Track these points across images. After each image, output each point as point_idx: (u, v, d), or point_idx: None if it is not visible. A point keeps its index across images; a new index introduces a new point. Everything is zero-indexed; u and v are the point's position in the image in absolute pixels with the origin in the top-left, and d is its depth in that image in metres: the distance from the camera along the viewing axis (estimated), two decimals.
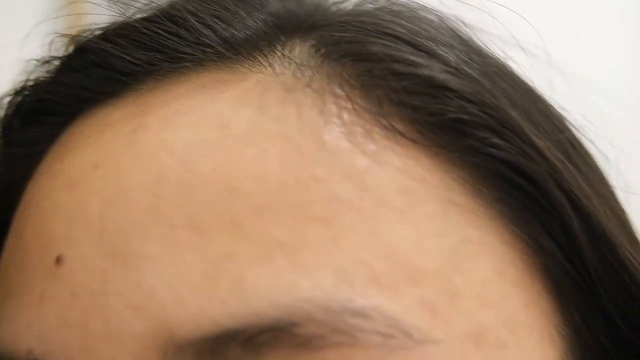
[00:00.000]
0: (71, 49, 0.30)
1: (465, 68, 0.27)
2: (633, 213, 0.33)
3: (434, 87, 0.26)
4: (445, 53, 0.27)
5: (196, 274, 0.23)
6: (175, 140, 0.25)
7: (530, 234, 0.26)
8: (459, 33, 0.30)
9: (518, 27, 0.33)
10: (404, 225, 0.24)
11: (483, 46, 0.30)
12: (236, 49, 0.27)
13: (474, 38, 0.30)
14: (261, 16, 0.29)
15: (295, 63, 0.27)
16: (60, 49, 0.31)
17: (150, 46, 0.28)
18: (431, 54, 0.27)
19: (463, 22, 0.30)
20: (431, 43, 0.27)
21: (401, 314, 0.23)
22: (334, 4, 0.30)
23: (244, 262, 0.23)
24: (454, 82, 0.26)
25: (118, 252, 0.24)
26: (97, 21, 0.31)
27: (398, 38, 0.27)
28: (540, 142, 0.26)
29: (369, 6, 0.30)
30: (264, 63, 0.27)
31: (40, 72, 0.31)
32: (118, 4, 0.31)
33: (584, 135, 0.31)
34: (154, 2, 0.30)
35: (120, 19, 0.30)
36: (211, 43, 0.28)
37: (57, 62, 0.31)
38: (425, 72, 0.26)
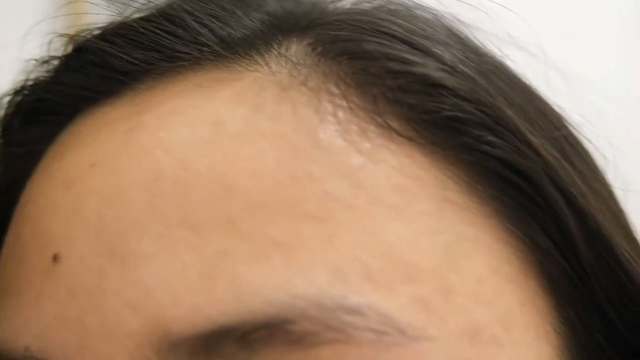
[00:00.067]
0: (70, 48, 0.30)
1: (460, 66, 0.27)
2: (631, 212, 0.33)
3: (429, 85, 0.26)
4: (441, 51, 0.27)
5: (192, 272, 0.23)
6: (171, 139, 0.25)
7: (525, 232, 0.26)
8: (456, 32, 0.30)
9: (517, 26, 0.33)
10: (398, 223, 0.24)
11: (480, 45, 0.30)
12: (233, 48, 0.28)
13: (472, 37, 0.30)
14: (258, 15, 0.29)
15: (292, 62, 0.27)
16: (60, 49, 0.31)
17: (148, 45, 0.28)
18: (427, 52, 0.27)
19: (460, 21, 0.30)
20: (427, 41, 0.27)
21: (395, 312, 0.23)
22: (331, 2, 0.30)
23: (240, 260, 0.23)
24: (449, 80, 0.26)
25: (115, 250, 0.24)
26: (96, 21, 0.31)
27: (394, 37, 0.27)
28: (536, 140, 0.26)
29: (366, 5, 0.30)
30: (260, 62, 0.27)
31: (40, 72, 0.31)
32: (117, 3, 0.31)
33: (582, 134, 0.31)
34: (152, 2, 0.30)
35: (119, 18, 0.30)
36: (208, 42, 0.28)
37: (56, 62, 0.31)
38: (420, 70, 0.26)
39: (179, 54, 0.28)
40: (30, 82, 0.31)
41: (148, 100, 0.27)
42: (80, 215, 0.25)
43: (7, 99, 0.32)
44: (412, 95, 0.26)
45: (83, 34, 0.30)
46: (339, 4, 0.30)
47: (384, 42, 0.27)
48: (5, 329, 0.26)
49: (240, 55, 0.27)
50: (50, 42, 0.31)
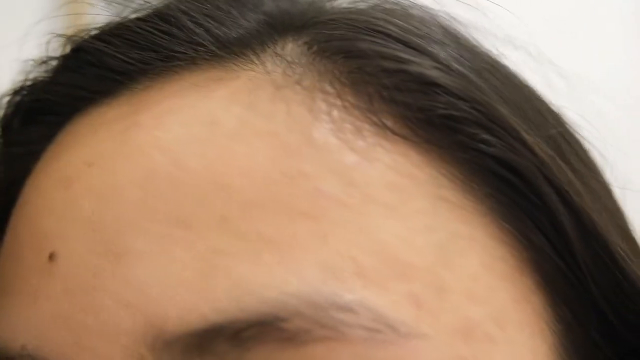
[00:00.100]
0: (68, 48, 0.31)
1: (455, 65, 0.27)
2: (631, 212, 0.33)
3: (424, 84, 0.26)
4: (436, 50, 0.27)
5: (185, 270, 0.24)
6: (166, 138, 0.26)
7: (520, 230, 0.26)
8: (451, 31, 0.30)
9: (517, 26, 0.33)
10: (392, 221, 0.24)
11: (477, 44, 0.30)
12: (228, 48, 0.28)
13: (469, 36, 0.30)
14: (254, 15, 0.29)
15: (287, 61, 0.27)
16: (58, 49, 0.31)
17: (144, 45, 0.28)
18: (421, 51, 0.27)
19: (457, 21, 0.30)
20: (422, 40, 0.28)
21: (388, 309, 0.23)
22: (327, 2, 0.31)
23: (232, 257, 0.23)
24: (444, 79, 0.26)
25: (110, 248, 0.24)
26: (95, 21, 0.31)
27: (389, 36, 0.27)
28: (530, 138, 0.26)
29: (362, 5, 0.30)
30: (255, 61, 0.27)
31: (39, 72, 0.31)
32: (116, 3, 0.31)
33: (581, 134, 0.31)
34: (150, 2, 0.30)
35: (117, 18, 0.30)
36: (203, 42, 0.28)
37: (54, 62, 0.31)
38: (415, 68, 0.26)
39: (174, 54, 0.28)
40: (29, 83, 0.31)
41: (145, 100, 0.27)
42: (76, 214, 0.26)
43: (7, 99, 0.32)
44: (407, 93, 0.26)
45: (81, 34, 0.30)
46: (335, 4, 0.30)
47: (379, 41, 0.27)
48: (2, 328, 0.26)
49: (235, 54, 0.27)
50: (48, 43, 0.31)
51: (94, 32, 0.30)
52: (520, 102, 0.28)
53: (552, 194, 0.26)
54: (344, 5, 0.30)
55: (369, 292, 0.23)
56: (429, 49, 0.27)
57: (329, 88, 0.26)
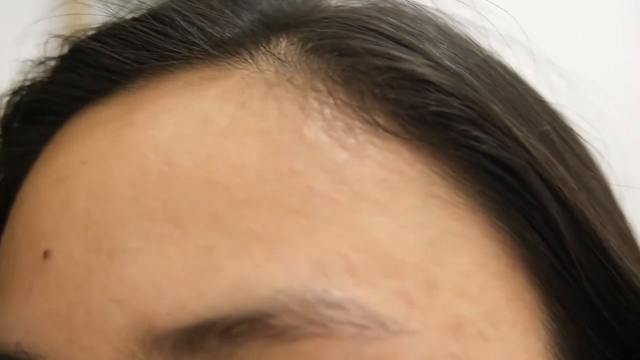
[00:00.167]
0: (66, 49, 0.31)
1: (447, 62, 0.27)
2: (631, 212, 0.33)
3: (415, 81, 0.26)
4: (428, 48, 0.27)
5: (176, 267, 0.24)
6: (159, 137, 0.26)
7: (513, 227, 0.26)
8: (445, 29, 0.30)
9: (517, 26, 0.33)
10: (382, 217, 0.24)
11: (471, 42, 0.30)
12: (222, 47, 0.28)
13: (464, 34, 0.30)
14: (248, 14, 0.29)
15: (279, 59, 0.27)
16: (57, 49, 0.31)
17: (139, 45, 0.29)
18: (413, 49, 0.27)
19: (454, 19, 0.30)
20: (414, 38, 0.28)
21: (377, 306, 0.23)
22: (321, 0, 0.31)
23: (222, 254, 0.24)
24: (435, 76, 0.26)
25: (102, 246, 0.25)
26: (93, 21, 0.31)
27: (381, 34, 0.27)
28: (523, 135, 0.26)
29: (355, 3, 0.30)
30: (249, 60, 0.27)
31: (38, 72, 0.32)
32: (114, 4, 0.31)
33: (580, 133, 0.31)
34: (146, 3, 0.30)
35: (115, 18, 0.30)
36: (197, 41, 0.28)
37: (53, 62, 0.31)
38: (406, 66, 0.26)
39: (169, 53, 0.28)
40: (28, 83, 0.32)
41: (139, 99, 0.28)
42: (69, 212, 0.26)
43: (6, 99, 0.32)
44: (399, 91, 0.26)
45: (78, 35, 0.31)
46: (328, 2, 0.31)
47: (371, 39, 0.27)
48: None
49: (229, 53, 0.28)
50: (46, 43, 0.32)
51: (90, 33, 0.30)
52: (514, 99, 0.28)
53: (545, 191, 0.26)
54: (338, 4, 0.30)
55: (359, 289, 0.23)
56: (421, 46, 0.27)
57: (320, 86, 0.26)
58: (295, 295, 0.23)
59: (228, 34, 0.28)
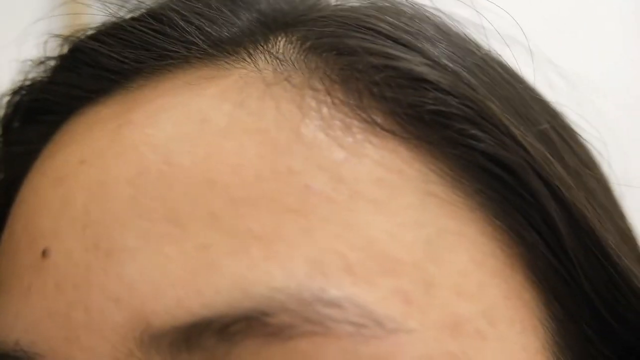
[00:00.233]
0: (65, 48, 0.31)
1: (445, 61, 0.27)
2: (631, 212, 0.33)
3: (413, 79, 0.26)
4: (426, 47, 0.27)
5: (174, 265, 0.24)
6: (157, 135, 0.26)
7: (511, 225, 0.26)
8: (444, 28, 0.30)
9: (516, 25, 0.33)
10: (380, 216, 0.24)
11: (470, 41, 0.30)
12: (220, 46, 0.28)
13: (463, 34, 0.30)
14: (247, 14, 0.29)
15: (277, 58, 0.27)
16: (56, 49, 0.31)
17: (137, 44, 0.29)
18: (411, 48, 0.27)
19: (453, 19, 0.30)
20: (412, 37, 0.28)
21: (374, 304, 0.23)
22: None
23: (220, 253, 0.24)
24: (433, 75, 0.26)
25: (100, 245, 0.25)
26: (93, 21, 0.31)
27: (379, 32, 0.27)
28: (520, 133, 0.26)
29: (354, 3, 0.30)
30: (247, 59, 0.27)
31: (38, 72, 0.32)
32: (113, 3, 0.31)
33: (581, 134, 0.31)
34: (145, 3, 0.30)
35: (114, 18, 0.30)
36: (195, 40, 0.28)
37: (53, 62, 0.31)
38: (404, 64, 0.26)
39: (167, 53, 0.28)
40: (28, 83, 0.32)
41: (138, 99, 0.28)
42: (68, 211, 0.26)
43: (6, 99, 0.32)
44: (397, 89, 0.26)
45: (78, 34, 0.31)
46: (327, 2, 0.31)
47: (369, 37, 0.27)
48: None
49: (228, 53, 0.28)
50: (46, 43, 0.32)
51: (90, 32, 0.30)
52: (513, 98, 0.28)
53: (543, 189, 0.26)
54: (336, 3, 0.31)
55: (356, 288, 0.23)
56: (419, 45, 0.27)
57: (318, 85, 0.26)
58: (292, 294, 0.23)
59: (226, 34, 0.28)
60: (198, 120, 0.26)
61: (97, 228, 0.25)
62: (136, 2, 0.31)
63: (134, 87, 0.28)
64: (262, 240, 0.24)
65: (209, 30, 0.28)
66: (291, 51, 0.27)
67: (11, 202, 0.30)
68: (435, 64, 0.27)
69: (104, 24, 0.30)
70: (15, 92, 0.32)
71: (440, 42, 0.28)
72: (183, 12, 0.29)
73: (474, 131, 0.26)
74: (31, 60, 0.32)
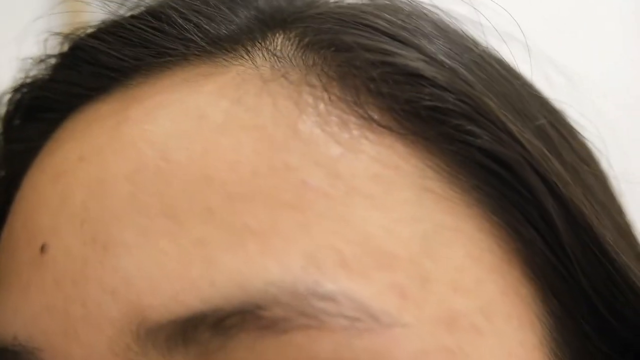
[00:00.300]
0: (66, 46, 0.31)
1: (442, 57, 0.27)
2: (632, 211, 0.33)
3: (409, 75, 0.26)
4: (423, 43, 0.28)
5: (170, 259, 0.24)
6: (154, 132, 0.26)
7: (508, 221, 0.26)
8: (441, 25, 0.30)
9: (517, 25, 0.33)
10: (376, 212, 0.24)
11: (468, 38, 0.30)
12: (218, 43, 0.28)
13: (461, 31, 0.30)
14: (245, 11, 0.29)
15: (275, 55, 0.27)
16: (57, 47, 0.31)
17: (136, 42, 0.29)
18: (408, 44, 0.27)
19: (451, 16, 0.31)
20: (409, 33, 0.28)
21: (369, 298, 0.23)
22: None
23: (216, 247, 0.24)
24: (429, 71, 0.26)
25: (98, 240, 0.25)
26: (92, 18, 0.31)
27: (376, 29, 0.27)
28: (517, 129, 0.26)
29: (352, 0, 0.30)
30: (245, 56, 0.27)
31: (39, 70, 0.32)
32: (113, 1, 0.31)
33: (581, 133, 0.31)
34: (145, 1, 0.30)
35: (113, 16, 0.30)
36: (193, 38, 0.28)
37: (53, 60, 0.31)
38: (400, 60, 0.26)
39: (166, 50, 0.28)
40: (29, 80, 0.32)
41: (137, 96, 0.28)
42: (67, 207, 0.26)
43: (8, 97, 0.32)
44: (393, 85, 0.26)
45: (78, 32, 0.31)
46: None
47: (366, 34, 0.27)
48: None
49: (226, 50, 0.28)
50: (46, 41, 0.32)
51: (89, 31, 0.30)
52: (510, 95, 0.28)
53: (540, 185, 0.26)
54: (334, 1, 0.31)
55: (351, 282, 0.23)
56: (416, 42, 0.27)
57: (315, 81, 0.26)
58: (286, 287, 0.23)
59: (224, 31, 0.28)
60: (195, 117, 0.26)
61: (95, 223, 0.25)
62: (136, 0, 0.31)
63: (133, 84, 0.28)
64: (258, 235, 0.24)
65: (207, 27, 0.28)
66: (289, 48, 0.28)
67: (11, 200, 0.30)
68: (431, 60, 0.27)
69: (103, 22, 0.30)
70: (16, 90, 0.32)
71: (437, 39, 0.28)
72: (181, 10, 0.29)
73: (470, 127, 0.26)
74: (32, 58, 0.32)
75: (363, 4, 0.30)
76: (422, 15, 0.30)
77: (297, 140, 0.25)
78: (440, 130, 0.26)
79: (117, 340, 0.24)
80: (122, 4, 0.31)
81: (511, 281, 0.26)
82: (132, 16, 0.30)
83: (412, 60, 0.26)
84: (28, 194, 0.28)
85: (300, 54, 0.27)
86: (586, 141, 0.32)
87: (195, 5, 0.29)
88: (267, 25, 0.29)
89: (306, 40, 0.28)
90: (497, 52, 0.31)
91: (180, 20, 0.28)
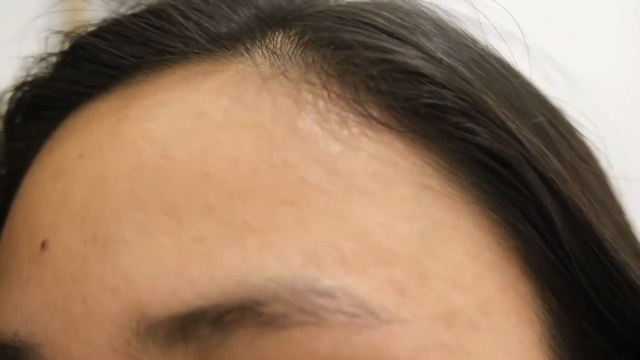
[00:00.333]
0: (66, 45, 0.31)
1: (441, 55, 0.27)
2: (632, 211, 0.33)
3: (408, 73, 0.26)
4: (422, 41, 0.28)
5: (169, 256, 0.24)
6: (154, 129, 0.26)
7: (507, 219, 0.26)
8: (441, 24, 0.30)
9: (517, 25, 0.33)
10: (375, 209, 0.25)
11: (468, 36, 0.30)
12: (218, 42, 0.28)
13: (461, 30, 0.30)
14: (245, 9, 0.30)
15: (275, 53, 0.27)
16: (58, 45, 0.31)
17: (136, 40, 0.29)
18: (407, 42, 0.27)
19: (451, 15, 0.31)
20: (408, 32, 0.28)
21: (368, 295, 0.23)
22: None
23: (215, 244, 0.24)
24: (428, 68, 0.26)
25: (98, 237, 0.25)
26: (93, 17, 0.31)
27: (375, 27, 0.28)
28: (516, 127, 0.26)
29: None
30: (245, 54, 0.28)
31: (40, 68, 0.32)
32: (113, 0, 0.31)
33: (580, 132, 0.31)
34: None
35: (114, 14, 0.30)
36: (193, 36, 0.28)
37: (54, 58, 0.32)
38: (399, 58, 0.26)
39: (166, 48, 0.28)
40: (30, 79, 0.32)
41: (137, 94, 0.28)
42: (67, 204, 0.26)
43: (9, 95, 0.32)
44: (392, 83, 0.26)
45: (78, 31, 0.31)
46: None
47: (365, 32, 0.27)
48: None
49: (226, 48, 0.28)
50: (47, 39, 0.32)
51: (90, 29, 0.30)
52: (509, 93, 0.28)
53: (538, 183, 0.26)
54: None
55: (350, 278, 0.23)
56: (415, 39, 0.28)
57: (315, 79, 0.26)
58: (285, 284, 0.23)
59: (224, 29, 0.29)
60: (195, 115, 0.26)
61: (95, 221, 0.25)
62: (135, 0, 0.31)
63: (134, 82, 0.28)
64: (257, 231, 0.24)
65: (207, 25, 0.28)
66: (288, 46, 0.28)
67: (13, 198, 0.30)
68: (430, 57, 0.27)
69: (104, 20, 0.30)
70: (17, 89, 0.32)
71: (436, 37, 0.28)
72: (182, 8, 0.29)
73: (469, 124, 0.26)
74: (33, 56, 0.32)
75: (362, 3, 0.30)
76: (421, 14, 0.30)
77: (296, 137, 0.25)
78: (439, 127, 0.26)
79: (117, 336, 0.24)
80: (122, 2, 0.31)
81: (510, 278, 0.26)
82: (132, 14, 0.30)
83: (411, 58, 0.26)
84: (29, 192, 0.28)
85: (299, 52, 0.27)
86: (585, 139, 0.32)
87: (196, 3, 0.29)
88: (266, 23, 0.29)
89: (306, 38, 0.28)
90: (497, 51, 0.31)
91: (180, 19, 0.29)
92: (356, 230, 0.24)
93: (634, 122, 0.85)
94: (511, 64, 0.31)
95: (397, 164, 0.25)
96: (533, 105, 0.29)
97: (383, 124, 0.26)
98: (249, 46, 0.28)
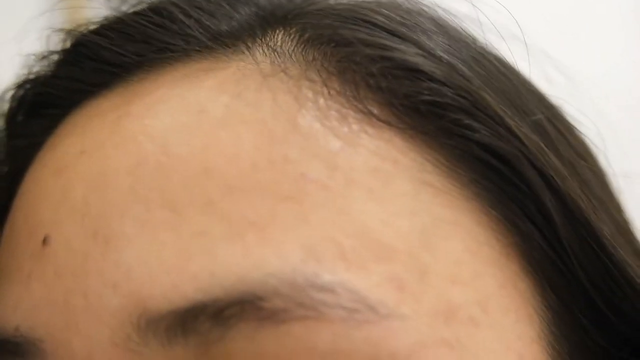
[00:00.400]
0: (68, 43, 0.31)
1: (441, 53, 0.27)
2: (632, 211, 0.33)
3: (407, 70, 0.26)
4: (422, 39, 0.28)
5: (170, 251, 0.24)
6: (155, 126, 0.26)
7: (506, 215, 0.26)
8: (441, 22, 0.30)
9: (518, 25, 0.33)
10: (375, 204, 0.25)
11: (468, 35, 0.30)
12: (219, 39, 0.28)
13: (460, 28, 0.31)
14: (245, 7, 0.30)
15: (275, 51, 0.28)
16: (59, 43, 0.31)
17: (138, 38, 0.29)
18: (406, 39, 0.27)
19: (451, 14, 0.31)
20: (408, 29, 0.28)
21: (367, 290, 0.23)
22: None
23: (216, 239, 0.24)
24: (428, 66, 0.26)
25: (99, 233, 0.25)
26: (94, 14, 0.31)
27: (375, 25, 0.28)
28: (515, 124, 0.26)
29: None
30: (245, 52, 0.28)
31: (41, 66, 0.32)
32: None
33: (579, 128, 0.32)
34: None
35: (116, 12, 0.31)
36: (194, 34, 0.28)
37: (56, 56, 0.32)
38: (398, 55, 0.27)
39: (167, 46, 0.28)
40: (32, 77, 0.32)
41: (139, 91, 0.28)
42: (68, 200, 0.26)
43: (11, 93, 0.32)
44: (392, 80, 0.26)
45: (80, 29, 0.31)
46: None
47: (365, 30, 0.27)
48: None
49: (227, 46, 0.28)
50: (49, 37, 0.32)
51: (91, 27, 0.31)
52: (508, 90, 0.29)
53: (537, 179, 0.26)
54: None
55: (350, 274, 0.24)
56: (415, 37, 0.28)
57: (315, 77, 0.26)
58: (285, 278, 0.23)
59: (225, 27, 0.29)
60: (196, 112, 0.26)
61: (96, 217, 0.25)
62: None
63: (135, 80, 0.28)
64: (257, 226, 0.24)
65: (208, 23, 0.29)
66: (289, 44, 0.28)
67: (15, 195, 0.30)
68: (429, 55, 0.27)
69: (106, 18, 0.31)
70: (19, 86, 0.32)
71: (436, 35, 0.28)
72: (183, 6, 0.29)
73: (468, 121, 0.26)
74: (34, 54, 0.32)
75: (362, 1, 0.30)
76: (421, 12, 0.30)
77: (296, 134, 0.25)
78: (439, 124, 0.26)
79: (117, 331, 0.24)
80: (124, 0, 0.31)
81: (509, 275, 0.26)
82: (134, 12, 0.30)
83: (410, 55, 0.27)
84: (30, 188, 0.29)
85: (300, 50, 0.27)
86: (584, 137, 0.32)
87: (197, 1, 0.29)
88: (267, 21, 0.29)
89: (306, 36, 0.28)
90: (497, 50, 0.31)
91: (181, 16, 0.29)
92: (356, 226, 0.24)
93: (635, 123, 0.85)
94: (510, 62, 0.31)
95: (396, 160, 0.25)
96: (532, 103, 0.29)
97: (383, 121, 0.26)
98: (249, 44, 0.28)
